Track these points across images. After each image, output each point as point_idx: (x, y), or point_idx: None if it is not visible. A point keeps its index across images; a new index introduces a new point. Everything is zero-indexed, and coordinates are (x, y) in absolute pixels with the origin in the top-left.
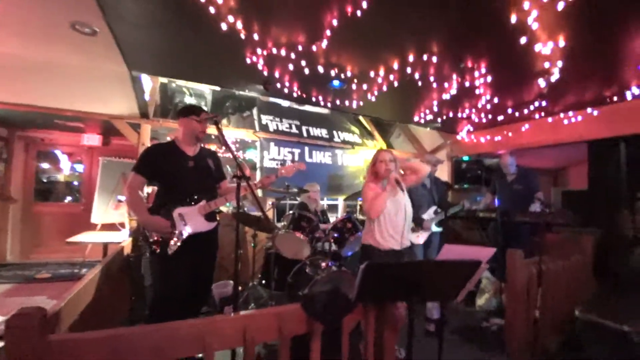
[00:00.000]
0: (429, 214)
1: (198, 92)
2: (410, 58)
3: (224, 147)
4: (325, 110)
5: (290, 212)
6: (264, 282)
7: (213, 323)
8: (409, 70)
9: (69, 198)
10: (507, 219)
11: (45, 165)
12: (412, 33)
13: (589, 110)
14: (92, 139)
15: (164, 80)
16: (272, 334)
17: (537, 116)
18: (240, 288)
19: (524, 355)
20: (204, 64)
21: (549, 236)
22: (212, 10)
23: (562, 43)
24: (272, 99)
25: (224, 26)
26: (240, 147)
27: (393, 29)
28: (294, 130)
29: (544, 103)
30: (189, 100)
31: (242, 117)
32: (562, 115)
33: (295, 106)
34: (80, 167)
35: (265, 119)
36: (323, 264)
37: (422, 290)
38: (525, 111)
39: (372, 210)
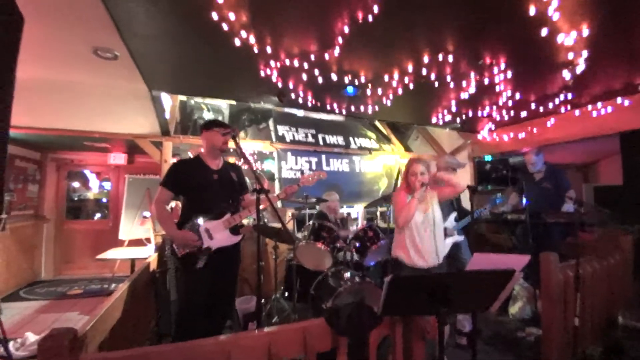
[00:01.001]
0: (450, 222)
1: (215, 108)
2: (425, 59)
3: (242, 160)
4: (340, 117)
5: (310, 222)
6: (286, 294)
7: (238, 340)
8: (424, 71)
9: (98, 215)
10: (538, 221)
11: (75, 185)
12: (425, 33)
13: (618, 100)
14: (118, 158)
15: (183, 98)
16: (297, 350)
17: (563, 110)
18: (263, 301)
19: None
20: (219, 80)
21: (583, 236)
22: (225, 26)
23: (585, 32)
24: (287, 110)
25: (237, 41)
26: (258, 159)
27: (405, 31)
28: (310, 139)
29: (569, 95)
30: (207, 115)
31: (258, 129)
32: (590, 107)
33: (311, 115)
34: (107, 185)
35: (281, 129)
36: (346, 275)
37: (450, 303)
38: (550, 105)
39: (400, 218)
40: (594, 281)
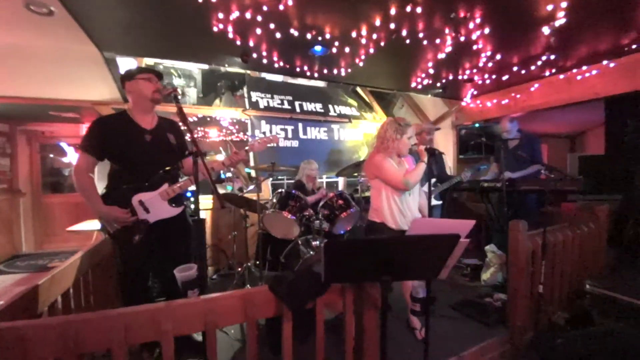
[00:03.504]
0: (426, 188)
1: (187, 73)
2: (392, 11)
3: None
4: (320, 84)
5: (279, 190)
6: (258, 262)
7: (170, 308)
8: (392, 26)
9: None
10: (513, 188)
11: (51, 157)
12: None
13: (604, 62)
14: None
15: (150, 62)
16: (237, 318)
17: (547, 74)
18: (239, 270)
19: (527, 331)
20: (173, 38)
21: (565, 206)
22: None
23: None
24: (263, 75)
25: None
26: (240, 129)
27: None
28: (286, 105)
29: (552, 57)
30: (177, 82)
31: (234, 96)
32: (575, 70)
33: (289, 81)
34: None
35: (255, 96)
36: (315, 243)
37: (394, 269)
38: (533, 68)
39: (413, 181)
40: (563, 250)
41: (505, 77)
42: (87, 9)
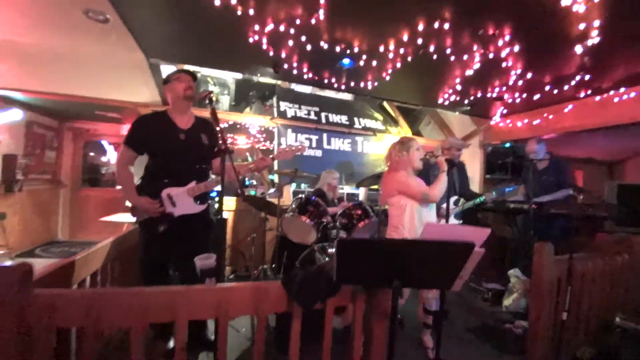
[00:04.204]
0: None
1: (221, 82)
2: (420, 27)
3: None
4: (346, 97)
5: (300, 196)
6: (274, 266)
7: (186, 292)
8: (420, 41)
9: (112, 184)
10: (541, 211)
11: (91, 154)
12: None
13: None
14: None
15: (189, 69)
16: (248, 309)
17: (582, 95)
18: (255, 272)
19: None
20: (210, 47)
21: (600, 236)
22: None
23: None
24: (293, 87)
25: (217, 1)
26: (267, 138)
27: None
28: (313, 116)
29: (587, 77)
30: (212, 89)
31: (264, 105)
32: (612, 92)
33: (317, 92)
34: None
35: (283, 105)
36: (331, 250)
37: (406, 275)
38: (566, 88)
39: (436, 192)
40: (594, 280)
41: (536, 97)
42: (138, 18)
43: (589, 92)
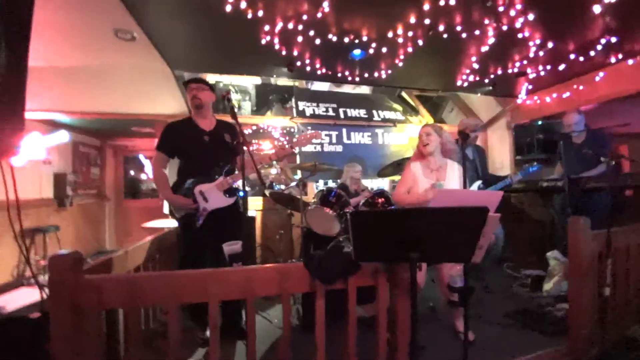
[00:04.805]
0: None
1: (242, 89)
2: (426, 6)
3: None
4: (364, 91)
5: (321, 189)
6: (301, 259)
7: (216, 273)
8: (427, 21)
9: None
10: (577, 187)
11: (131, 168)
12: None
13: None
14: None
15: (212, 80)
16: (273, 289)
17: (612, 60)
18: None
19: (594, 345)
20: (227, 53)
21: None
22: None
23: None
24: (310, 86)
25: (228, 7)
26: (290, 140)
27: None
28: (331, 112)
29: (614, 40)
30: (235, 97)
31: (284, 107)
32: None
33: (334, 89)
34: None
35: (302, 105)
36: None
37: (423, 247)
38: (593, 54)
39: (399, 196)
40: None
41: (561, 67)
42: (161, 31)
43: (620, 56)
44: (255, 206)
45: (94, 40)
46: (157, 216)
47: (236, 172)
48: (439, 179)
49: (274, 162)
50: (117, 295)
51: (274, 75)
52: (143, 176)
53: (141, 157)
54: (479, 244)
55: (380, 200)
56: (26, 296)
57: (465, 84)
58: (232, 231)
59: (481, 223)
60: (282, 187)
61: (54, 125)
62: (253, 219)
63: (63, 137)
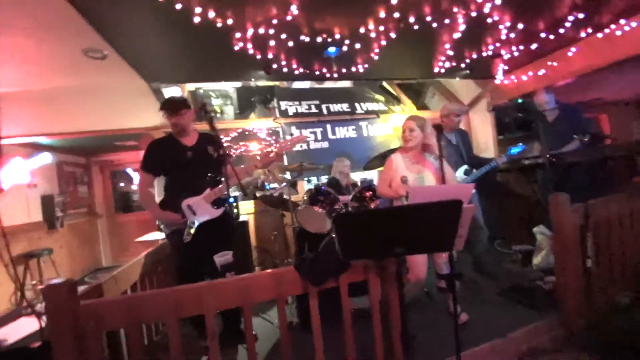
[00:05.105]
0: (459, 176)
1: (223, 93)
2: (394, 0)
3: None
4: (346, 85)
5: (309, 188)
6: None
7: (211, 285)
8: (397, 15)
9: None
10: (557, 163)
11: (120, 183)
12: None
13: None
14: None
15: (191, 87)
16: (269, 294)
17: (582, 35)
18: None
19: (583, 314)
20: (202, 63)
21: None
22: (179, 6)
23: None
24: (291, 85)
25: (196, 19)
26: (277, 140)
27: None
28: (314, 110)
29: (581, 15)
30: (216, 102)
31: (267, 108)
32: (613, 26)
33: (315, 86)
34: None
35: (284, 104)
36: None
37: (406, 241)
38: (563, 31)
39: (380, 188)
40: (622, 223)
41: (534, 46)
42: (132, 48)
43: (590, 30)
44: (247, 210)
45: (63, 61)
46: (152, 228)
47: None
48: (420, 172)
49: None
50: (116, 317)
51: (253, 79)
52: (134, 187)
53: (129, 170)
54: (458, 234)
55: (368, 193)
56: (26, 326)
57: (443, 71)
58: (222, 241)
59: (457, 215)
60: (275, 185)
61: (36, 148)
62: (246, 223)
63: (46, 159)
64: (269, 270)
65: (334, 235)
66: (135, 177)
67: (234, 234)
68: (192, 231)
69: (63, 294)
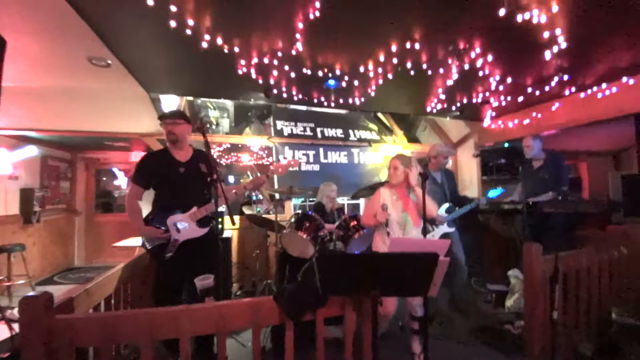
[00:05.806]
0: (440, 213)
1: (221, 105)
2: (394, 48)
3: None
4: (341, 111)
5: (296, 212)
6: (276, 283)
7: (188, 310)
8: (395, 60)
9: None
10: (535, 211)
11: (104, 181)
12: (386, 21)
13: (624, 79)
14: (138, 156)
15: (190, 97)
16: (245, 323)
17: (567, 92)
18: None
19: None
20: (203, 80)
21: (611, 229)
22: (188, 32)
23: (555, 8)
24: (289, 106)
25: (204, 44)
26: (269, 154)
27: (365, 21)
28: (309, 132)
29: (566, 77)
30: (213, 113)
31: (263, 124)
32: (595, 89)
33: (312, 109)
34: None
35: (280, 124)
36: None
37: (382, 284)
38: (548, 89)
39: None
40: (590, 275)
41: (520, 99)
42: (136, 59)
43: (573, 89)
44: (231, 225)
45: (67, 65)
46: (131, 232)
47: (212, 201)
48: (404, 209)
49: (250, 175)
50: (90, 334)
51: (251, 100)
52: (116, 185)
53: (115, 170)
54: (433, 282)
55: (353, 223)
56: None
57: (435, 110)
58: (204, 262)
59: (433, 266)
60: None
61: (23, 140)
62: (229, 239)
63: (31, 151)
64: (246, 300)
65: (314, 261)
66: (121, 176)
67: (217, 255)
68: (173, 249)
69: (40, 308)
